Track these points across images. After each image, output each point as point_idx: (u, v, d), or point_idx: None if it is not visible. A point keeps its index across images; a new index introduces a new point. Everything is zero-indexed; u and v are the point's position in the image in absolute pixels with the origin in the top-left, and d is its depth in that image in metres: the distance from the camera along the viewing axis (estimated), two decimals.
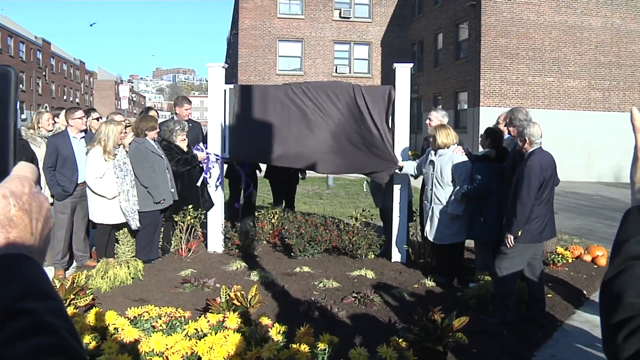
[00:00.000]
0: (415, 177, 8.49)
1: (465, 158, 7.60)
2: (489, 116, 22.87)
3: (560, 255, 8.58)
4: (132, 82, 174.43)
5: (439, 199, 7.67)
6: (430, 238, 7.80)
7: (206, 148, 9.04)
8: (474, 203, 7.43)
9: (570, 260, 8.73)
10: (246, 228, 9.34)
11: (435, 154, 7.77)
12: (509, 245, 6.13)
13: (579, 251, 9.21)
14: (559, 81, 26.01)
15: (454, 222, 7.59)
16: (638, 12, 26.74)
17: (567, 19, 26.07)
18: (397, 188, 8.64)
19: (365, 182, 9.54)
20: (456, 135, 7.84)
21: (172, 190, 8.43)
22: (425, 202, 7.94)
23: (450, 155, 7.62)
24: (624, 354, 1.02)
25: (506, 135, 7.81)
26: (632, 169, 1.22)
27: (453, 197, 7.53)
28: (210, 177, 8.94)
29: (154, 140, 8.51)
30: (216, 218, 9.06)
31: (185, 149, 8.84)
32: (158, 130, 8.72)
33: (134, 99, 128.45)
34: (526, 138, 6.15)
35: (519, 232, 6.05)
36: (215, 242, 9.05)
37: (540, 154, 6.13)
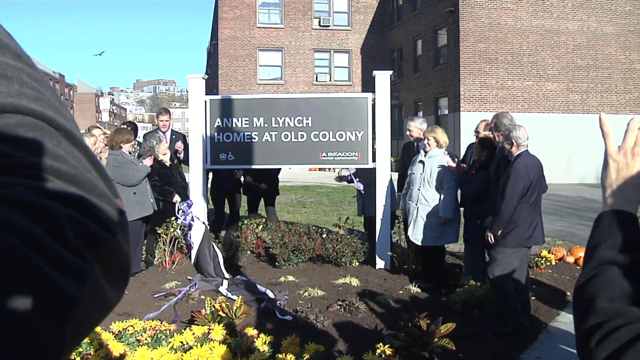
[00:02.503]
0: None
1: (453, 165, 7.61)
2: (469, 121, 23.01)
3: (544, 258, 8.63)
4: (112, 95, 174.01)
5: (426, 200, 7.69)
6: (413, 239, 7.81)
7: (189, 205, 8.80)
8: (470, 206, 7.48)
9: (553, 263, 8.78)
10: (230, 239, 9.30)
11: (425, 155, 7.80)
12: (490, 242, 6.17)
13: (561, 253, 9.28)
14: (537, 85, 26.26)
15: (439, 224, 7.62)
16: (613, 16, 27.07)
17: (544, 23, 26.34)
18: (379, 194, 8.65)
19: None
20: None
21: (152, 200, 8.39)
22: (410, 202, 7.92)
23: (442, 157, 7.65)
24: (597, 358, 1.03)
25: None
26: (602, 173, 1.24)
27: (443, 198, 7.58)
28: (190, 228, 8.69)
29: (130, 153, 8.46)
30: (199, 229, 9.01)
31: (168, 163, 8.78)
32: (134, 142, 8.67)
33: (115, 111, 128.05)
34: (513, 141, 6.19)
35: (499, 232, 6.08)
36: None
37: (527, 156, 6.17)
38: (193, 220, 8.39)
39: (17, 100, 0.61)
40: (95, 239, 0.59)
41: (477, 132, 8.25)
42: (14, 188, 0.56)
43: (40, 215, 0.55)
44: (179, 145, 9.67)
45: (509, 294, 6.18)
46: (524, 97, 26.10)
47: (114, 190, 0.67)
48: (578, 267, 8.86)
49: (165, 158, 8.74)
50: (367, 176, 8.88)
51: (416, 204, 7.78)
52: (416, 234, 7.77)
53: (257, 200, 10.56)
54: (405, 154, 9.11)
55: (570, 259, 9.16)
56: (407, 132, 8.75)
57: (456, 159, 7.81)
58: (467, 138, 21.19)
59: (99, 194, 0.63)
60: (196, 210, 8.58)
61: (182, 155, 9.66)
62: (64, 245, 0.55)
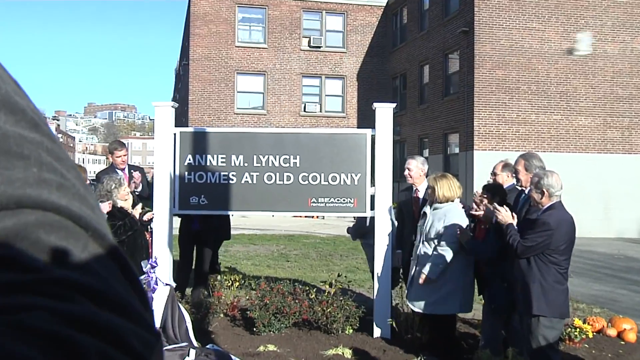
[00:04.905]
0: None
1: (464, 217, 7.58)
2: (484, 161, 22.95)
3: (578, 329, 8.29)
4: (58, 120, 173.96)
5: (425, 259, 7.66)
6: (409, 304, 7.82)
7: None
8: (491, 267, 7.40)
9: (590, 335, 8.46)
10: (199, 298, 9.25)
11: (430, 207, 7.78)
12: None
13: (601, 324, 9.03)
14: (568, 119, 26.30)
15: (439, 289, 7.55)
16: None
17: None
18: (378, 248, 8.65)
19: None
20: (460, 187, 7.83)
21: None
22: (412, 259, 7.93)
23: (447, 210, 7.60)
24: None
25: (508, 184, 7.87)
26: None
27: (435, 256, 7.54)
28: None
29: None
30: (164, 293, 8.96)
31: (130, 210, 8.65)
32: (88, 181, 8.66)
33: (61, 140, 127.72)
34: (544, 190, 6.10)
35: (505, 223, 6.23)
36: None
37: (560, 210, 6.12)
38: (157, 284, 8.33)
39: (36, 190, 0.57)
40: None
41: (494, 174, 8.25)
42: (33, 313, 0.52)
43: (64, 352, 0.51)
44: (137, 177, 9.70)
45: None
46: (550, 134, 26.15)
47: (147, 303, 0.64)
48: (622, 343, 8.65)
49: (127, 204, 8.61)
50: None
51: (415, 262, 7.76)
52: (413, 298, 7.74)
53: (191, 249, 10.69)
54: (403, 202, 9.15)
55: (612, 332, 8.90)
56: (406, 172, 8.79)
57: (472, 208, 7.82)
58: (480, 181, 20.96)
59: (133, 316, 0.59)
60: (160, 270, 8.50)
61: (139, 189, 9.64)
62: None
